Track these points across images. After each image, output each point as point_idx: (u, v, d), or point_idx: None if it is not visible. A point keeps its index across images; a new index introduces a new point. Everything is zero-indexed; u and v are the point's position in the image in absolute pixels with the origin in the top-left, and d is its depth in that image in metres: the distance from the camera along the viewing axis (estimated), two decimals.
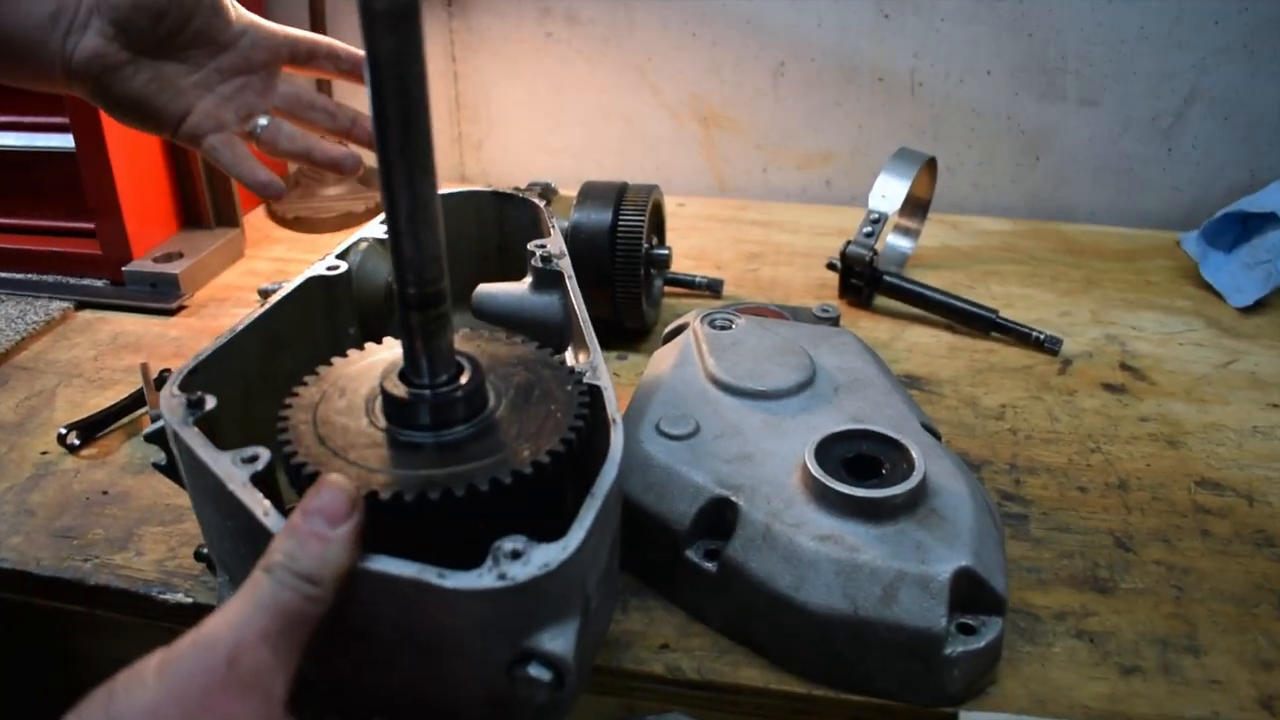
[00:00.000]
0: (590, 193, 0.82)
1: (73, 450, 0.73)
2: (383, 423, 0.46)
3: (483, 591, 0.38)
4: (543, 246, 0.65)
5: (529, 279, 0.65)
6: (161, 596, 0.60)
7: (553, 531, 0.41)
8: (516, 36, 1.17)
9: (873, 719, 0.53)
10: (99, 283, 0.96)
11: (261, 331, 0.58)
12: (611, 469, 0.44)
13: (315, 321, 0.63)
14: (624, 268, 0.80)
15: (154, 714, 0.34)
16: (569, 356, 0.59)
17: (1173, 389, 0.81)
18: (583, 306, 0.59)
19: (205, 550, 0.58)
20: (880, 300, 0.94)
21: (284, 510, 0.48)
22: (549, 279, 0.63)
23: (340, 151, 0.69)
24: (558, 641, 0.40)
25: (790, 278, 1.00)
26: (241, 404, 0.55)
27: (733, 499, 0.55)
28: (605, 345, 0.86)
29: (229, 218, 1.02)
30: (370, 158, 0.48)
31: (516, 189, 0.79)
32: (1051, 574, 0.61)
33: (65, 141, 0.92)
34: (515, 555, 0.39)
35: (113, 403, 0.76)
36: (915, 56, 1.10)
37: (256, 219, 1.13)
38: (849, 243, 0.90)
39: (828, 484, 0.53)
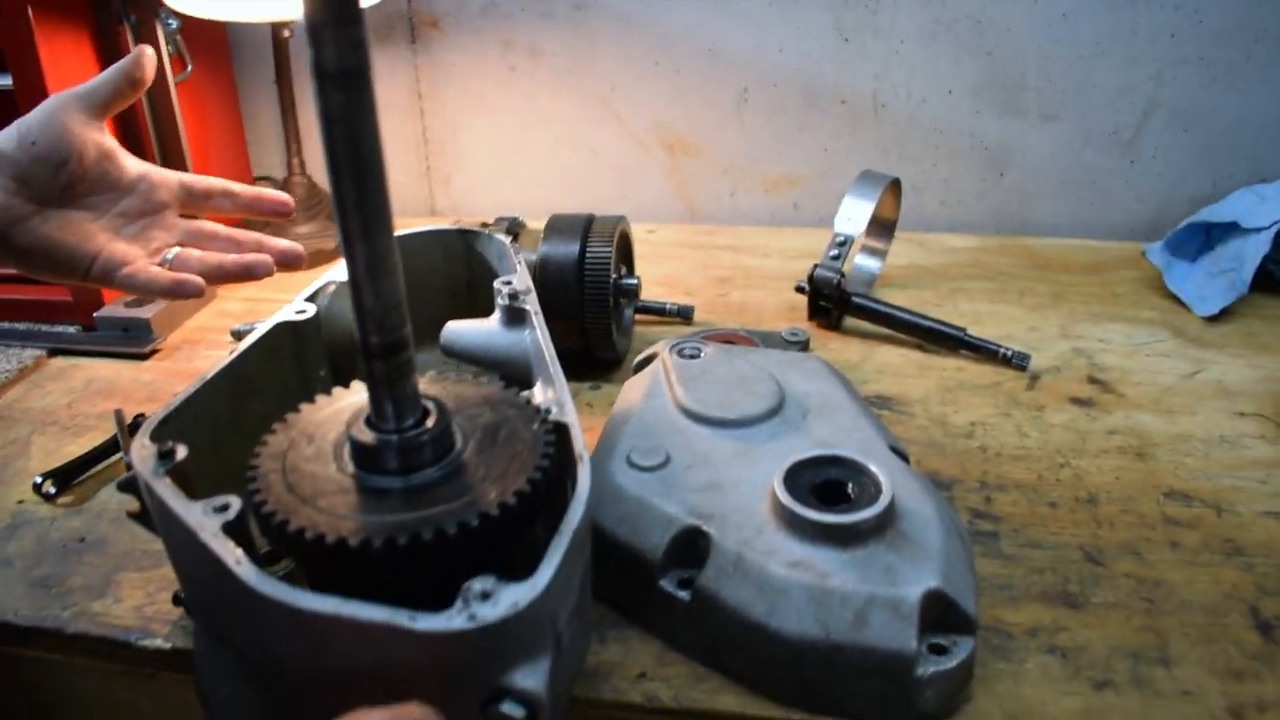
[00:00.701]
0: (557, 225, 0.83)
1: (49, 498, 0.73)
2: (351, 469, 0.46)
3: (453, 633, 0.39)
4: (509, 284, 0.66)
5: (496, 316, 0.65)
6: (140, 643, 0.60)
7: (525, 568, 0.41)
8: (480, 71, 1.18)
9: None
10: (71, 329, 0.96)
11: (230, 378, 0.59)
12: (579, 507, 0.45)
13: (284, 366, 0.63)
14: (593, 299, 0.81)
15: None
16: (536, 394, 0.60)
17: (1140, 401, 0.82)
18: (549, 343, 0.60)
19: (183, 595, 0.59)
20: (849, 321, 0.95)
21: (256, 556, 0.48)
22: (516, 316, 0.64)
23: (251, 259, 0.71)
24: (530, 679, 0.41)
25: (760, 301, 1.01)
26: (212, 451, 0.56)
27: (704, 528, 0.56)
28: (577, 376, 0.86)
29: None
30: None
31: (484, 224, 0.80)
32: (1023, 590, 0.62)
33: None
34: (485, 596, 0.40)
35: (88, 450, 0.76)
36: (876, 79, 1.12)
37: None
38: (816, 266, 0.91)
39: (796, 511, 0.54)
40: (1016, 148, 1.14)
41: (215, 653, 0.50)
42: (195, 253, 0.71)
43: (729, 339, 0.80)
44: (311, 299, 0.66)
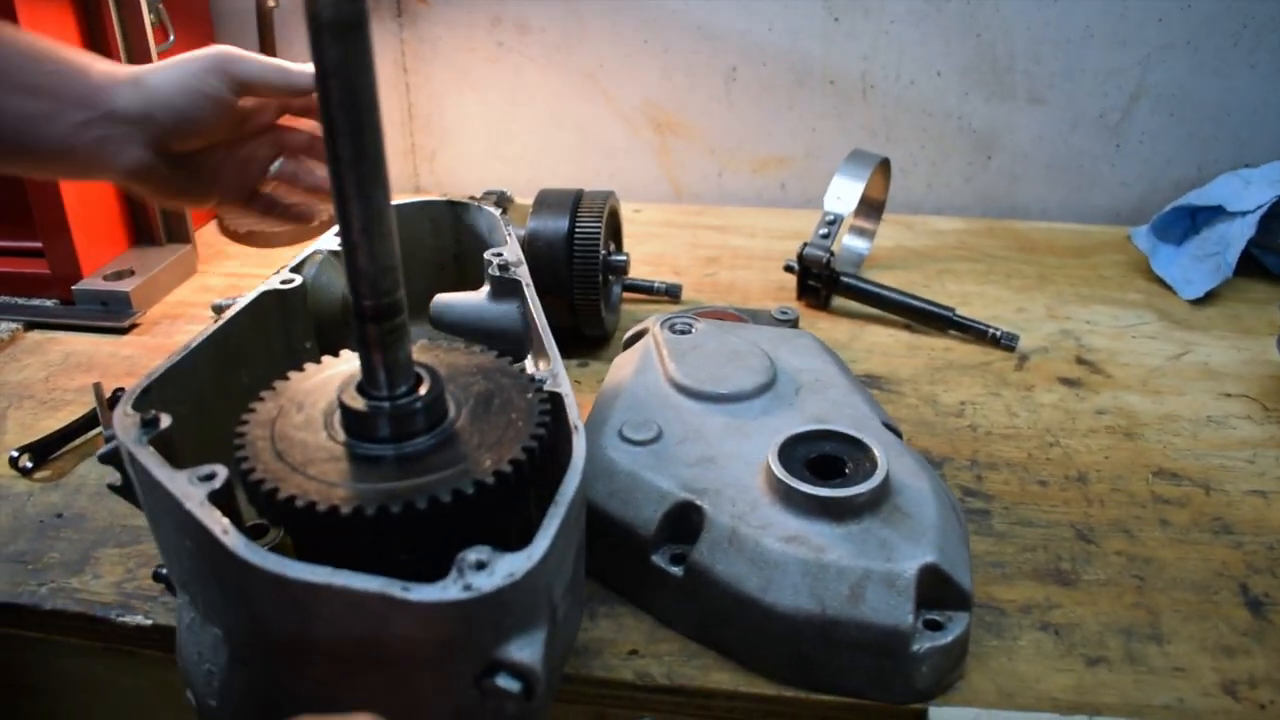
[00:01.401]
0: (546, 200, 0.82)
1: (26, 473, 0.71)
2: (342, 436, 0.45)
3: (448, 604, 0.38)
4: (500, 255, 0.65)
5: (487, 288, 0.64)
6: (120, 619, 0.59)
7: (518, 540, 0.40)
8: (468, 46, 1.17)
9: (843, 718, 0.53)
10: (48, 302, 0.94)
11: (216, 348, 0.57)
12: (574, 477, 0.44)
13: (271, 336, 0.62)
14: (582, 275, 0.80)
15: None
16: (529, 365, 0.59)
17: (1128, 381, 0.82)
18: (541, 314, 0.59)
19: (164, 571, 0.57)
20: (838, 301, 0.94)
21: (243, 528, 0.47)
22: (507, 287, 0.63)
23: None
24: (525, 651, 0.40)
25: (748, 281, 1.00)
26: (197, 421, 0.55)
27: (698, 503, 0.55)
28: (565, 353, 0.85)
29: (180, 234, 1.01)
30: None
31: (472, 198, 0.78)
32: (1015, 568, 0.62)
33: None
34: (480, 566, 0.39)
35: (65, 424, 0.75)
36: (866, 59, 1.11)
37: (209, 235, 1.11)
38: (806, 245, 0.91)
39: (792, 485, 0.54)
40: (1004, 130, 1.14)
41: (198, 629, 0.49)
42: (305, 163, 0.72)
43: (719, 316, 0.79)
44: (298, 269, 0.64)
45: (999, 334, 0.86)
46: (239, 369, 0.59)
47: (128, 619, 0.59)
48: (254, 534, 0.56)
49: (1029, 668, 0.55)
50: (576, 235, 0.80)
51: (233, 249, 1.09)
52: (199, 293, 0.98)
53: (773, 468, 0.55)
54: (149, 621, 0.58)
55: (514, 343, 0.63)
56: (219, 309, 0.90)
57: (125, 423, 0.49)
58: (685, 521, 0.56)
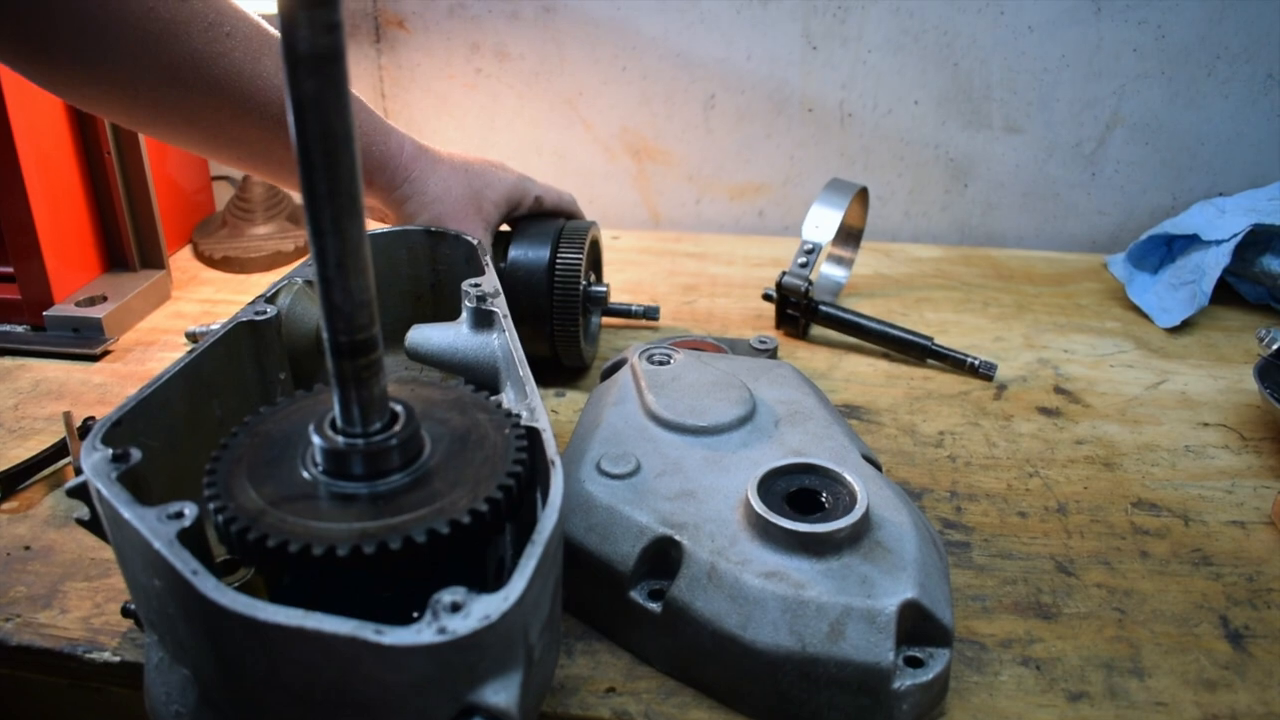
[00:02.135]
0: (526, 230, 0.82)
1: None
2: (315, 474, 0.44)
3: (422, 647, 0.37)
4: (477, 285, 0.64)
5: (464, 319, 0.64)
6: (88, 655, 0.57)
7: (490, 579, 0.40)
8: (446, 73, 1.16)
9: None
10: (19, 328, 0.93)
11: (188, 380, 0.56)
12: (552, 514, 0.43)
13: (243, 368, 0.61)
14: (562, 306, 0.79)
15: None
16: (506, 397, 0.58)
17: (1106, 411, 0.83)
18: (519, 346, 0.58)
19: (132, 606, 0.56)
20: (817, 330, 0.94)
21: (213, 566, 0.46)
22: (484, 319, 0.62)
23: None
24: (501, 695, 0.39)
25: (727, 309, 1.00)
26: (169, 455, 0.54)
27: (676, 538, 0.55)
28: (542, 382, 0.85)
29: (154, 259, 0.99)
30: None
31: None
32: (995, 601, 0.62)
33: None
34: (455, 608, 0.38)
35: (34, 454, 0.73)
36: (843, 88, 1.12)
37: (183, 260, 1.10)
38: (784, 273, 0.91)
39: (771, 520, 0.53)
40: (981, 159, 1.14)
41: (166, 669, 0.48)
42: None
43: (697, 346, 0.79)
44: (272, 299, 0.64)
45: (977, 363, 0.86)
46: (211, 401, 0.58)
47: (95, 655, 0.57)
48: (224, 570, 0.55)
49: (1010, 703, 0.54)
50: (558, 266, 0.79)
51: (207, 274, 1.08)
52: (173, 319, 0.97)
53: (752, 502, 0.54)
54: (117, 658, 0.57)
55: (490, 374, 0.62)
56: (193, 336, 0.89)
57: (94, 458, 0.48)
58: (664, 557, 0.55)
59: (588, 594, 0.58)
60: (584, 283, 0.81)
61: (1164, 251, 1.02)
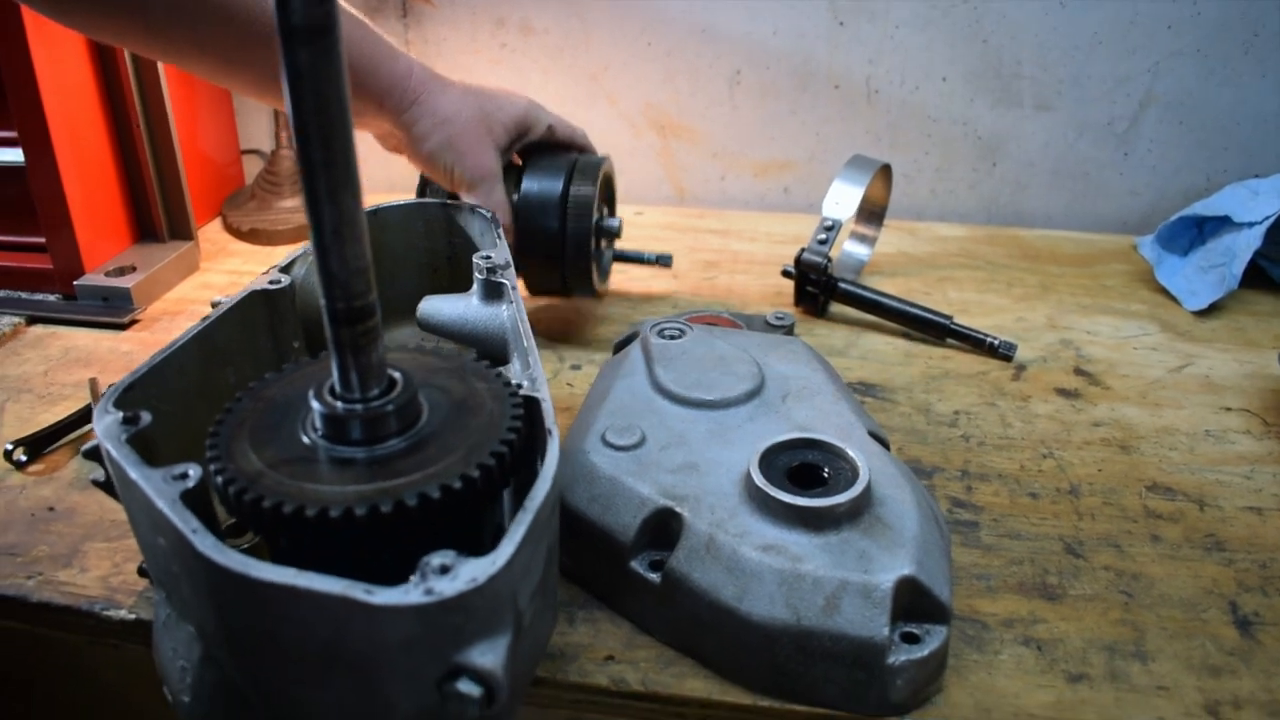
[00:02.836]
0: (540, 162, 0.81)
1: (20, 466, 0.72)
2: (315, 438, 0.45)
3: (410, 607, 0.38)
4: (488, 258, 0.65)
5: (474, 290, 0.64)
6: (105, 613, 0.59)
7: (492, 544, 0.40)
8: (472, 47, 1.17)
9: None
10: (51, 297, 0.95)
11: (201, 346, 0.58)
12: (545, 482, 0.44)
13: (258, 336, 0.62)
14: (575, 238, 0.79)
15: None
16: (512, 368, 0.59)
17: (1126, 393, 0.82)
18: (525, 317, 0.59)
19: (146, 566, 0.58)
20: (836, 307, 0.94)
21: (219, 528, 0.47)
22: (493, 290, 0.63)
23: None
24: (488, 657, 0.40)
25: (746, 286, 1.00)
26: (181, 420, 0.55)
27: (677, 509, 0.55)
28: (559, 356, 0.85)
29: (183, 230, 1.01)
30: None
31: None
32: (1000, 581, 0.61)
33: (15, 156, 0.91)
34: (444, 570, 0.39)
35: (61, 418, 0.75)
36: (870, 63, 1.11)
37: (213, 232, 1.12)
38: (803, 250, 0.90)
39: (771, 493, 0.53)
40: (1010, 137, 1.13)
41: (173, 626, 0.49)
42: None
43: (712, 320, 0.79)
44: (287, 269, 0.65)
45: (997, 343, 0.85)
46: (225, 368, 0.60)
47: (112, 613, 0.59)
48: (234, 532, 0.56)
49: (1009, 683, 0.54)
50: (571, 199, 0.79)
51: (235, 246, 1.09)
52: (200, 289, 0.99)
53: (753, 476, 0.55)
54: (132, 616, 0.59)
55: (499, 346, 0.63)
56: (218, 306, 0.90)
57: (106, 420, 0.49)
58: (664, 528, 0.56)
59: (590, 563, 0.59)
60: (597, 215, 0.81)
61: (1194, 233, 1.00)
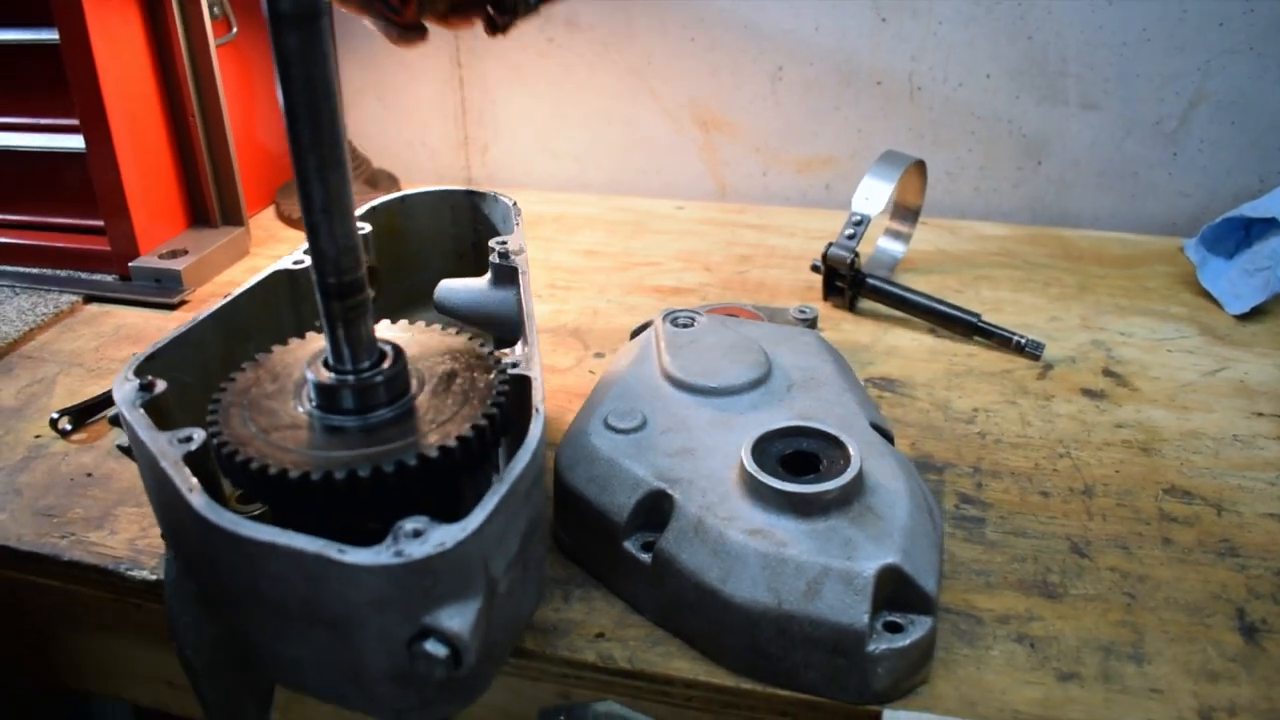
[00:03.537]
0: None
1: (64, 435, 0.76)
2: (309, 407, 0.47)
3: (380, 567, 0.40)
4: (503, 243, 0.66)
5: (489, 274, 0.66)
6: (129, 573, 0.62)
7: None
8: (519, 42, 1.19)
9: (800, 714, 0.53)
10: (108, 278, 1.00)
11: (223, 321, 0.60)
12: (524, 457, 0.45)
13: (280, 313, 0.65)
14: None
15: None
16: (517, 349, 0.60)
17: (1155, 395, 0.80)
18: (531, 299, 0.60)
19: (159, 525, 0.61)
20: (866, 303, 0.94)
21: (220, 492, 0.50)
22: (506, 275, 0.65)
23: None
24: (455, 620, 0.41)
25: (778, 280, 1.00)
26: (201, 390, 0.57)
27: (669, 492, 0.56)
28: (584, 345, 0.87)
29: (234, 216, 1.05)
30: None
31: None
32: (1000, 578, 0.61)
33: (76, 143, 0.96)
34: (416, 534, 0.41)
35: (105, 391, 0.79)
36: (913, 60, 1.10)
37: (266, 219, 1.16)
38: (831, 245, 0.90)
39: (760, 479, 0.54)
40: (1055, 136, 1.11)
41: (181, 582, 0.51)
42: None
43: (732, 312, 0.79)
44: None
45: (1023, 341, 0.84)
46: (246, 343, 0.62)
47: (135, 573, 0.62)
48: (244, 502, 0.59)
49: (996, 678, 0.54)
50: None
51: (286, 233, 1.13)
52: (249, 274, 1.02)
53: (744, 461, 0.55)
54: (154, 577, 0.62)
55: (512, 328, 0.65)
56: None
57: (124, 387, 0.52)
58: (657, 510, 0.57)
59: (587, 542, 0.60)
60: None
61: (1241, 235, 0.97)
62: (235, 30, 1.06)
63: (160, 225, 1.01)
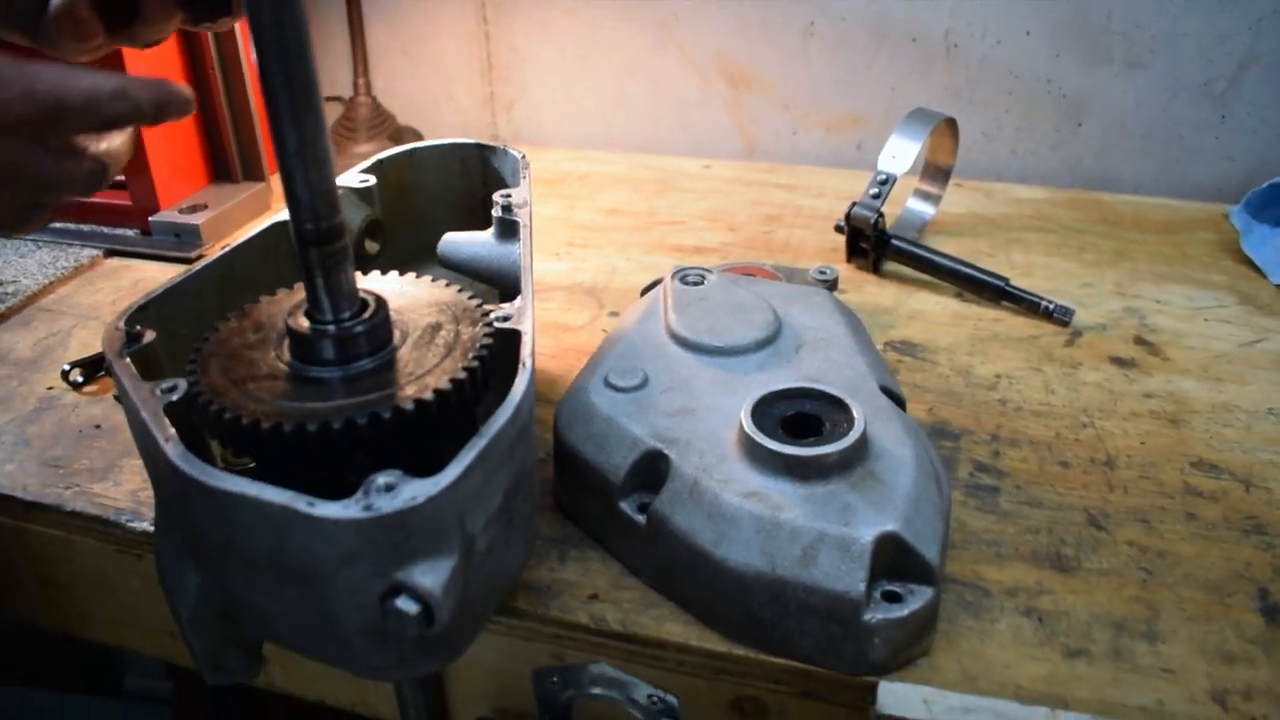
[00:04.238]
0: None
1: (76, 387, 0.76)
2: (287, 357, 0.46)
3: (348, 521, 0.39)
4: (507, 196, 0.65)
5: (492, 228, 0.65)
6: (129, 524, 0.62)
7: None
8: None
9: (794, 682, 0.52)
10: (129, 232, 1.00)
11: (219, 273, 0.60)
12: (505, 412, 0.44)
13: (279, 266, 0.64)
14: None
15: None
16: (517, 302, 0.59)
17: (1187, 365, 0.77)
18: (530, 253, 0.59)
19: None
20: (892, 266, 0.91)
21: (203, 443, 0.49)
22: (509, 229, 0.63)
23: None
24: (428, 577, 0.40)
25: (803, 240, 0.98)
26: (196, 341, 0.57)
27: (666, 452, 0.55)
28: (600, 304, 0.85)
29: (255, 172, 1.05)
30: None
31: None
32: (1011, 549, 0.59)
33: None
34: (388, 488, 0.40)
35: None
36: (950, 16, 1.06)
37: None
38: (854, 205, 0.88)
39: (758, 440, 0.52)
40: (1097, 97, 1.07)
41: (168, 533, 0.51)
42: None
43: (749, 271, 0.77)
44: None
45: (1052, 307, 0.81)
46: (244, 295, 0.61)
47: (135, 524, 0.62)
48: (237, 454, 0.58)
49: (1001, 652, 0.52)
50: None
51: None
52: None
53: (743, 422, 0.54)
54: (154, 528, 0.62)
55: (515, 283, 0.63)
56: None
57: (112, 336, 0.51)
58: (654, 471, 0.55)
59: (583, 502, 0.59)
60: None
61: None
62: None
63: (181, 180, 1.01)
